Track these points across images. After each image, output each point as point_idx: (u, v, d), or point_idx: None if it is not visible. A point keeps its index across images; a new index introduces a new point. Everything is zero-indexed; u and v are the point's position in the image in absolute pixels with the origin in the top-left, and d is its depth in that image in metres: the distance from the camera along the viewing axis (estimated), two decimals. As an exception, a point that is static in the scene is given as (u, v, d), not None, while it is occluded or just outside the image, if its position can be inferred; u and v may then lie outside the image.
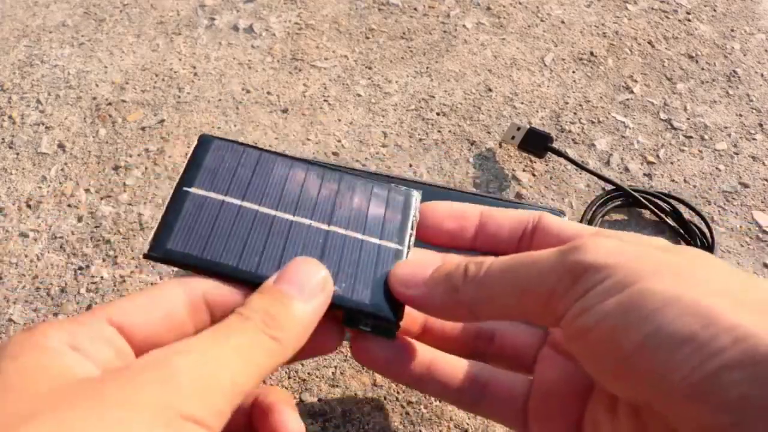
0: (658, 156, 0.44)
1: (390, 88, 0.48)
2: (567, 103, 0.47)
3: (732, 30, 0.52)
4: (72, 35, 0.52)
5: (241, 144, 0.26)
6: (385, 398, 0.33)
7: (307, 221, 0.24)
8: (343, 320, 0.24)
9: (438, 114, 0.46)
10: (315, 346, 0.22)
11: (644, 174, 0.43)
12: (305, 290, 0.21)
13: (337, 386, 0.34)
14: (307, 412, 0.33)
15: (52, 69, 0.49)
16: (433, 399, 0.33)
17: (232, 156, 0.25)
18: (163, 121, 0.46)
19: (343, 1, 0.54)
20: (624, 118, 0.46)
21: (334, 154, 0.44)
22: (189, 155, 0.25)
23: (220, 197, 0.24)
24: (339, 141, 0.44)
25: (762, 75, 0.49)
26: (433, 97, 0.47)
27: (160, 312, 0.21)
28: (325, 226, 0.24)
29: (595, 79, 0.49)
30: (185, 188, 0.24)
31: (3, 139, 0.45)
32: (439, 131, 0.45)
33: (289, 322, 0.20)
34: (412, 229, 0.26)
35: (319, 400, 0.33)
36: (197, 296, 0.21)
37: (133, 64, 0.49)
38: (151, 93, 0.47)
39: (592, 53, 0.50)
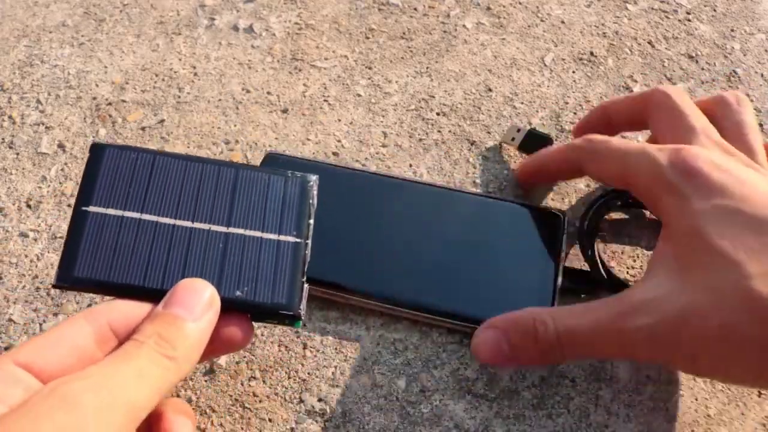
0: (658, 156, 0.44)
1: (390, 88, 0.48)
2: (567, 103, 0.47)
3: (732, 30, 0.52)
4: (72, 35, 0.52)
5: (135, 149, 0.25)
6: (385, 398, 0.33)
7: (206, 226, 0.24)
8: (251, 318, 0.25)
9: (438, 114, 0.46)
10: (225, 343, 0.24)
11: (644, 174, 0.43)
12: (194, 310, 0.22)
13: (337, 386, 0.34)
14: (307, 412, 0.33)
15: (52, 69, 0.49)
16: (433, 399, 0.33)
17: (127, 164, 0.25)
18: (163, 121, 0.46)
19: (343, 1, 0.54)
20: (624, 118, 0.46)
21: (334, 154, 0.44)
22: (84, 169, 0.25)
23: (119, 213, 0.24)
24: (339, 141, 0.44)
25: (762, 75, 0.49)
26: (433, 97, 0.47)
27: (66, 346, 0.22)
28: (224, 229, 0.25)
29: (595, 79, 0.49)
30: (83, 208, 0.24)
31: (3, 139, 0.45)
32: (439, 131, 0.45)
33: (182, 341, 0.22)
34: (310, 218, 0.26)
35: (319, 400, 0.33)
36: (103, 326, 0.22)
37: (133, 64, 0.49)
38: (151, 93, 0.47)
39: (592, 53, 0.50)
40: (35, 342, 0.21)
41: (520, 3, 0.54)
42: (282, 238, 0.25)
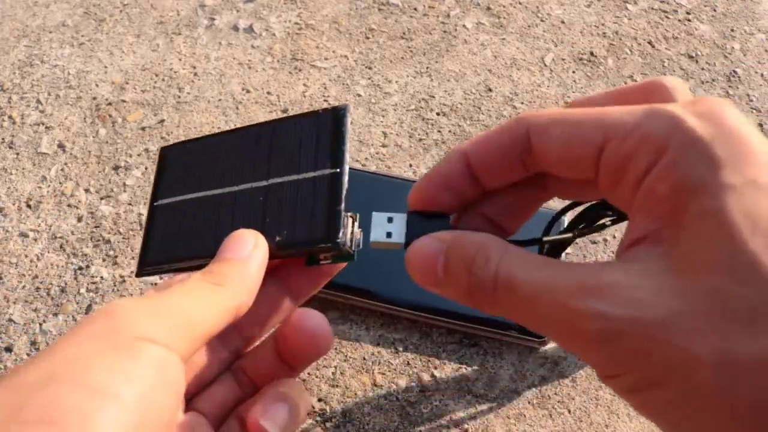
0: (658, 156, 0.44)
1: (390, 88, 0.48)
2: (567, 103, 0.47)
3: (732, 30, 0.52)
4: (72, 35, 0.52)
5: (190, 141, 0.27)
6: (385, 398, 0.33)
7: (248, 185, 0.25)
8: (305, 263, 0.25)
9: (438, 114, 0.46)
10: (309, 349, 0.24)
11: (644, 174, 0.43)
12: (240, 251, 0.23)
13: (337, 386, 0.34)
14: (307, 412, 0.33)
15: (52, 69, 0.49)
16: (433, 399, 0.33)
17: (183, 155, 0.27)
18: (163, 121, 0.46)
19: (343, 1, 0.54)
20: (624, 118, 0.46)
21: (334, 154, 0.44)
22: (154, 172, 0.27)
23: (180, 198, 0.26)
24: (339, 141, 0.44)
25: (762, 75, 0.49)
26: (433, 97, 0.47)
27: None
28: (264, 183, 0.26)
29: (595, 79, 0.49)
30: (154, 203, 0.26)
31: (3, 139, 0.45)
32: (439, 131, 0.45)
33: (228, 270, 0.22)
34: (343, 145, 0.26)
35: (319, 400, 0.33)
36: None
37: (133, 64, 0.49)
38: (151, 93, 0.47)
39: (592, 53, 0.50)
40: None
41: (520, 3, 0.54)
42: (318, 173, 0.25)
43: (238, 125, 0.45)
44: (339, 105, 0.27)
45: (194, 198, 0.26)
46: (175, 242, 0.25)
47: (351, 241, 0.24)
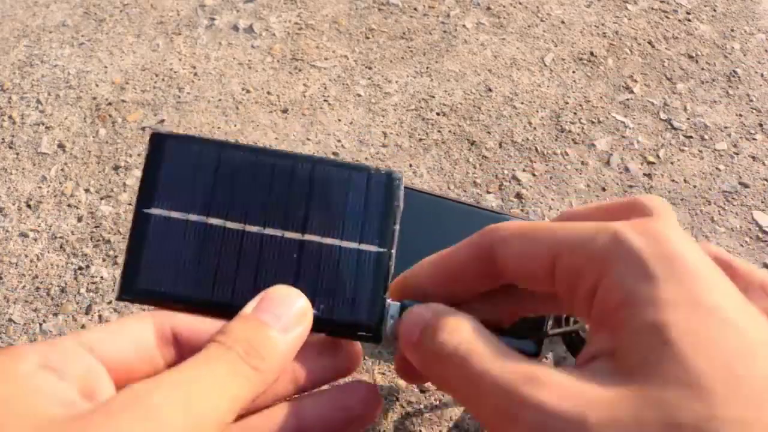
0: (658, 156, 0.44)
1: (390, 88, 0.48)
2: (567, 103, 0.47)
3: (732, 30, 0.52)
4: (72, 35, 0.52)
5: (199, 141, 0.23)
6: (385, 398, 0.33)
7: (279, 233, 0.22)
8: (327, 334, 0.22)
9: (438, 114, 0.46)
10: (334, 371, 0.22)
11: (644, 174, 0.43)
12: (284, 321, 0.21)
13: (337, 386, 0.34)
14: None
15: (52, 69, 0.49)
16: (432, 399, 0.33)
17: (190, 158, 0.23)
18: (163, 121, 0.46)
19: (343, 1, 0.54)
20: (624, 118, 0.46)
21: (334, 154, 0.44)
22: (144, 163, 0.22)
23: (184, 216, 0.22)
24: (339, 141, 0.44)
25: (762, 75, 0.49)
26: (433, 97, 0.47)
27: (129, 339, 0.20)
28: (299, 236, 0.23)
29: (595, 79, 0.49)
30: (145, 210, 0.22)
31: (3, 139, 0.45)
32: (439, 131, 0.45)
33: (270, 352, 0.20)
34: (395, 223, 0.24)
35: (319, 400, 0.33)
36: (166, 328, 0.21)
37: (133, 64, 0.49)
38: (151, 93, 0.47)
39: (592, 53, 0.50)
40: (99, 329, 0.20)
41: (520, 3, 0.54)
42: (363, 246, 0.23)
43: (239, 125, 0.45)
44: (394, 172, 0.23)
45: (205, 223, 0.22)
46: (175, 272, 0.22)
47: (387, 328, 0.22)
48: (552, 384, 0.17)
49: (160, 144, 0.22)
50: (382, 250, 0.23)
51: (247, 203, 0.22)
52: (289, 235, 0.22)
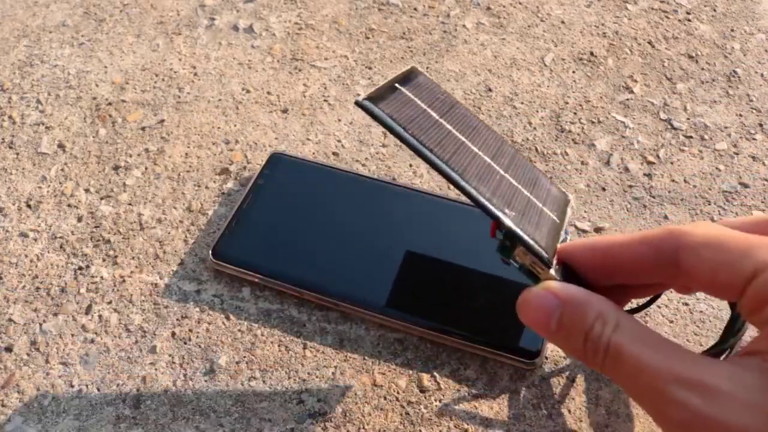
0: (658, 156, 0.44)
1: (390, 88, 0.48)
2: (567, 103, 0.47)
3: (732, 30, 0.52)
4: (72, 35, 0.52)
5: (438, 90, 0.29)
6: (385, 398, 0.33)
7: (487, 159, 0.27)
8: (499, 247, 0.26)
9: (438, 114, 0.46)
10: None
11: (644, 174, 0.43)
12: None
13: (337, 386, 0.34)
14: (307, 412, 0.33)
15: (52, 69, 0.49)
16: (433, 399, 0.33)
17: (433, 92, 0.28)
18: (163, 121, 0.46)
19: (343, 1, 0.54)
20: (624, 118, 0.46)
21: (334, 154, 0.44)
22: (400, 74, 0.28)
23: (424, 106, 0.26)
24: (339, 141, 0.44)
25: (762, 75, 0.49)
26: (433, 97, 0.47)
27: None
28: (499, 169, 0.27)
29: (595, 79, 0.49)
30: (397, 84, 0.26)
31: (3, 139, 0.45)
32: (439, 131, 0.45)
33: None
34: (566, 233, 0.29)
35: (319, 400, 0.33)
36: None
37: (133, 64, 0.49)
38: (151, 93, 0.47)
39: (592, 53, 0.50)
40: None
41: (520, 3, 0.54)
42: (547, 210, 0.28)
43: (238, 125, 0.45)
44: (566, 193, 0.31)
45: (437, 119, 0.27)
46: (411, 120, 0.26)
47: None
48: (705, 388, 0.19)
49: (413, 74, 0.28)
50: (559, 224, 0.28)
51: (466, 126, 0.28)
52: (494, 165, 0.27)
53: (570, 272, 0.26)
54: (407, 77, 0.27)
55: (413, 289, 0.35)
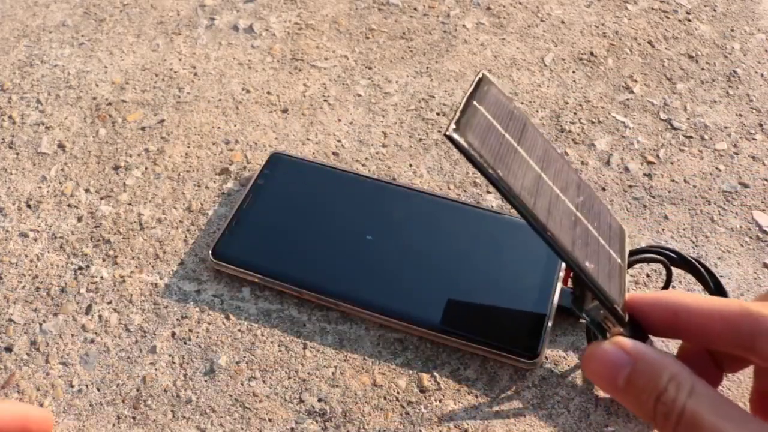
0: (658, 156, 0.44)
1: (390, 88, 0.48)
2: (567, 103, 0.47)
3: (732, 30, 0.52)
4: (72, 35, 0.52)
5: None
6: (385, 398, 0.33)
7: (562, 196, 0.26)
8: (572, 300, 0.26)
9: (438, 114, 0.46)
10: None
11: (644, 174, 0.43)
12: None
13: (337, 386, 0.34)
14: (307, 412, 0.33)
15: (52, 69, 0.49)
16: (433, 399, 0.33)
17: (506, 109, 0.26)
18: (163, 121, 0.46)
19: (343, 1, 0.54)
20: (624, 118, 0.46)
21: (334, 154, 0.44)
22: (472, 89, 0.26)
23: (501, 130, 0.25)
24: (339, 141, 0.44)
25: (762, 75, 0.49)
26: (433, 97, 0.47)
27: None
28: (573, 209, 0.26)
29: (595, 79, 0.49)
30: (476, 104, 0.25)
31: (3, 139, 0.45)
32: (439, 131, 0.45)
33: None
34: (623, 262, 0.28)
35: (319, 400, 0.33)
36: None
37: (133, 64, 0.49)
38: (151, 93, 0.47)
39: (592, 53, 0.50)
40: None
41: (520, 3, 0.54)
42: (613, 254, 0.27)
43: (238, 125, 0.45)
44: (622, 226, 0.30)
45: (513, 145, 0.26)
46: (496, 155, 0.25)
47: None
48: None
49: (485, 82, 0.26)
50: (622, 264, 0.27)
51: (542, 157, 0.27)
52: (568, 202, 0.26)
53: (634, 323, 0.25)
54: (480, 89, 0.26)
55: (413, 289, 0.35)
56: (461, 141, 0.23)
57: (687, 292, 0.26)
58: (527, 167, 0.25)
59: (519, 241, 0.37)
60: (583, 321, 0.26)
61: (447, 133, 0.23)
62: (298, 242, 0.37)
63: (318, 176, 0.41)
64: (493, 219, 0.39)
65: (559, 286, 0.35)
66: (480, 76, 0.26)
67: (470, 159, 0.23)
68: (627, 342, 0.23)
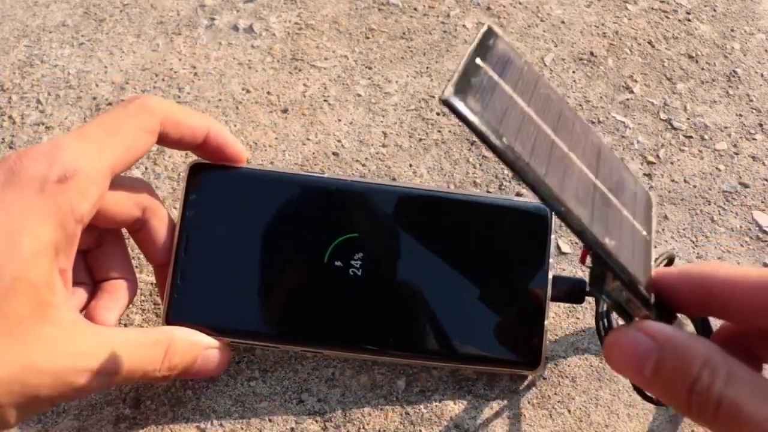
0: (658, 156, 0.44)
1: (390, 88, 0.48)
2: (567, 103, 0.47)
3: (732, 30, 0.52)
4: (72, 35, 0.52)
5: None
6: (385, 398, 0.33)
7: (578, 163, 0.22)
8: (591, 280, 0.23)
9: (438, 114, 0.46)
10: None
11: (644, 174, 0.43)
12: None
13: (337, 386, 0.34)
14: (307, 412, 0.33)
15: (52, 69, 0.49)
16: (433, 399, 0.33)
17: (516, 65, 0.23)
18: (163, 121, 0.46)
19: (343, 1, 0.54)
20: (624, 118, 0.46)
21: (334, 154, 0.44)
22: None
23: (509, 90, 0.21)
24: (339, 141, 0.44)
25: (762, 75, 0.49)
26: (434, 97, 0.47)
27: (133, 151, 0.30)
28: (592, 177, 0.23)
29: (595, 79, 0.49)
30: (479, 61, 0.21)
31: (3, 139, 0.45)
32: (439, 131, 0.45)
33: None
34: (649, 234, 0.25)
35: (319, 400, 0.33)
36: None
37: (133, 64, 0.49)
38: (151, 93, 0.47)
39: (592, 53, 0.50)
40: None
41: (520, 3, 0.54)
42: (637, 226, 0.24)
43: (239, 125, 0.45)
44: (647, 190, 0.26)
45: (522, 107, 0.22)
46: (500, 120, 0.21)
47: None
48: None
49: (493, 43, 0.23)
50: (648, 237, 0.24)
51: (557, 117, 0.23)
52: (585, 170, 0.23)
53: (661, 303, 0.23)
54: (485, 44, 0.22)
55: (400, 321, 0.32)
56: (461, 107, 0.19)
57: (719, 262, 0.23)
58: (538, 132, 0.22)
59: (501, 226, 0.33)
60: (581, 306, 0.23)
61: (443, 97, 0.19)
62: (257, 283, 0.32)
63: (258, 187, 0.33)
64: (471, 207, 0.34)
65: (551, 276, 0.32)
66: (485, 28, 0.22)
67: (470, 127, 0.20)
68: (652, 325, 0.21)
